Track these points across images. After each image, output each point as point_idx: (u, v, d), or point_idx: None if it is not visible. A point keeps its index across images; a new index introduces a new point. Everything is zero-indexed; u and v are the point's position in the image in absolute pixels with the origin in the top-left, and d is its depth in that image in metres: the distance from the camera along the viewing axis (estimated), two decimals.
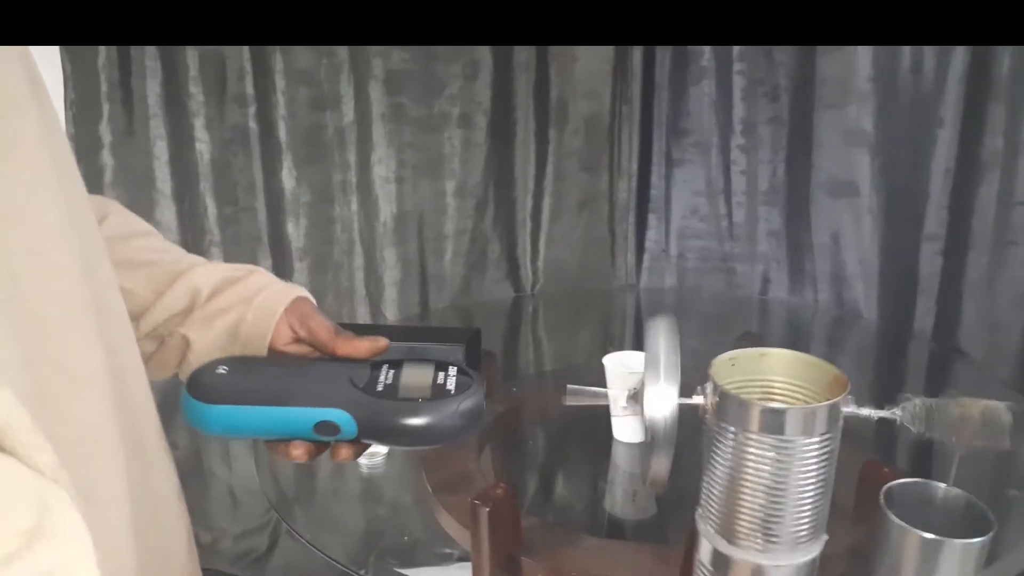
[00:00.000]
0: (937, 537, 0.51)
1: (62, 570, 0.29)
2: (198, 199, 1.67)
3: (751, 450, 0.52)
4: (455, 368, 0.55)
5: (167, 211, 1.68)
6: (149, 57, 1.58)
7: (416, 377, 0.53)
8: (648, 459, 0.55)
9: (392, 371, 0.54)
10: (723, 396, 0.53)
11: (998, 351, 1.50)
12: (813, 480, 0.52)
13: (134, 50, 1.58)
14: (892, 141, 1.43)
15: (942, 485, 0.53)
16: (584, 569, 0.81)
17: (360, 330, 0.59)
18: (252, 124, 1.60)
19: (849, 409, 0.52)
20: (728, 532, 0.55)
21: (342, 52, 1.54)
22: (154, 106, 1.61)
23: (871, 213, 1.45)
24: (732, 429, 0.53)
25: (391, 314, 1.67)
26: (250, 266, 0.62)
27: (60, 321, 0.39)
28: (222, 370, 0.52)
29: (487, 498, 0.80)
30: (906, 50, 1.39)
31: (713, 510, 0.56)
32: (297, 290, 0.61)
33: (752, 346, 0.58)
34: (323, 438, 0.51)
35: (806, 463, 0.51)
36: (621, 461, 1.05)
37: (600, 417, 1.06)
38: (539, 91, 1.52)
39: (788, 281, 1.55)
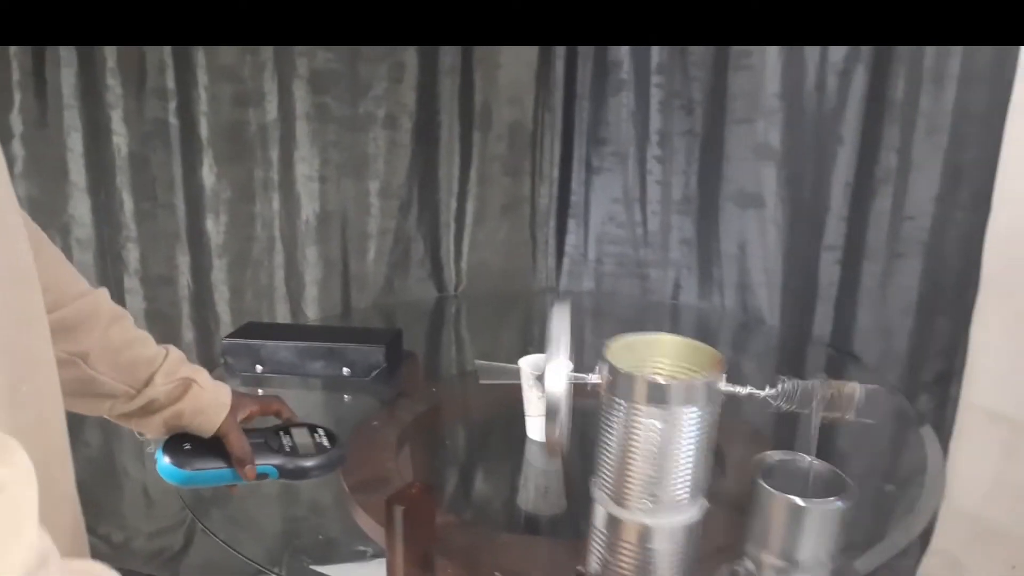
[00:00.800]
0: (799, 500, 0.58)
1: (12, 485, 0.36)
2: (114, 193, 1.62)
3: (639, 420, 0.58)
4: (322, 429, 0.86)
5: (81, 205, 1.63)
6: (63, 47, 1.53)
7: (302, 438, 0.85)
8: (550, 427, 0.60)
9: (287, 436, 0.84)
10: (615, 373, 0.59)
11: (889, 355, 1.60)
12: (693, 448, 0.58)
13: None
14: (796, 156, 1.51)
15: (808, 457, 0.60)
16: (498, 564, 0.84)
17: (282, 332, 0.71)
18: (172, 119, 1.57)
19: (726, 387, 0.59)
20: (619, 496, 0.61)
21: (266, 50, 1.52)
22: (68, 96, 1.56)
23: (775, 224, 1.52)
24: (622, 403, 0.59)
25: (312, 313, 1.66)
26: (190, 377, 0.77)
27: None
28: (187, 445, 0.79)
29: (402, 497, 0.82)
30: (811, 69, 1.46)
31: (606, 477, 0.62)
32: (224, 406, 0.80)
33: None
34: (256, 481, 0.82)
35: (687, 432, 0.57)
36: (535, 459, 1.08)
37: (517, 417, 1.09)
38: (464, 96, 1.53)
39: (697, 287, 1.61)
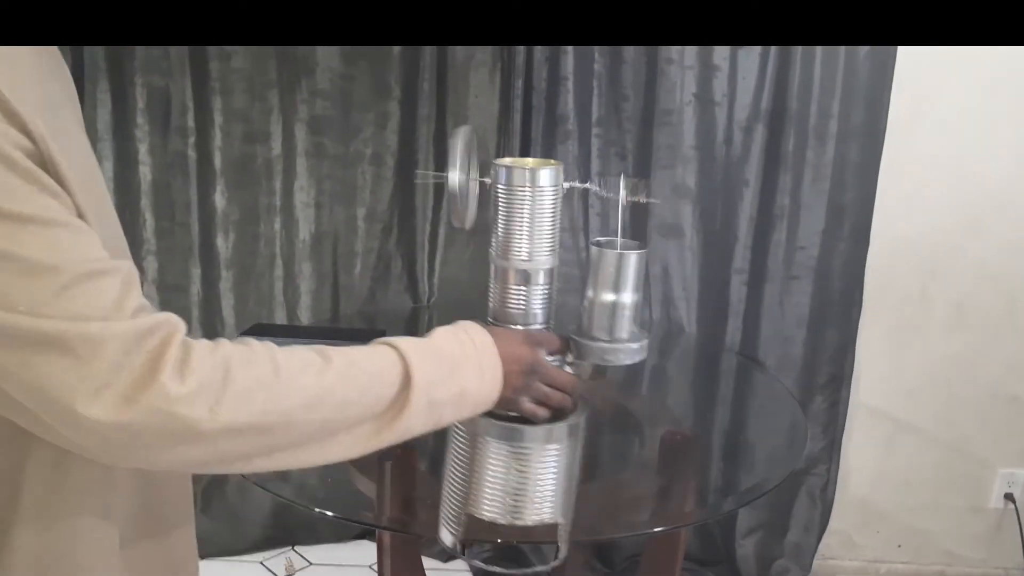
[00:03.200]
0: (613, 249, 0.76)
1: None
2: (139, 213, 1.87)
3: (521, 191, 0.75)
4: None
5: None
6: (100, 90, 1.79)
7: None
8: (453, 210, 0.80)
9: None
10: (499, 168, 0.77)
11: (787, 361, 1.89)
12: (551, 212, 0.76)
13: (88, 82, 1.79)
14: (709, 195, 1.81)
15: (622, 240, 0.78)
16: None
17: (285, 330, 0.82)
18: (191, 152, 1.83)
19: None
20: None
21: (273, 97, 1.79)
22: (103, 131, 1.81)
23: (692, 250, 1.81)
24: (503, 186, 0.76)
25: (305, 318, 1.92)
26: None
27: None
28: None
29: (389, 455, 1.07)
30: (720, 126, 1.76)
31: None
32: None
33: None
34: None
35: (550, 198, 0.75)
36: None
37: None
38: (437, 139, 1.81)
39: None
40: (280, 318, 1.93)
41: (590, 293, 0.77)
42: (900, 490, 2.06)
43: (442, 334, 0.68)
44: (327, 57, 1.76)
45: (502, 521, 0.75)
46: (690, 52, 1.69)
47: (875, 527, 2.10)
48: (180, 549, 0.74)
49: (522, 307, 0.77)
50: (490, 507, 0.75)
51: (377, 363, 0.62)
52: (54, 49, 0.64)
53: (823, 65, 1.69)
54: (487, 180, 0.78)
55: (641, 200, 0.80)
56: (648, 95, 1.74)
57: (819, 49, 1.68)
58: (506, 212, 0.76)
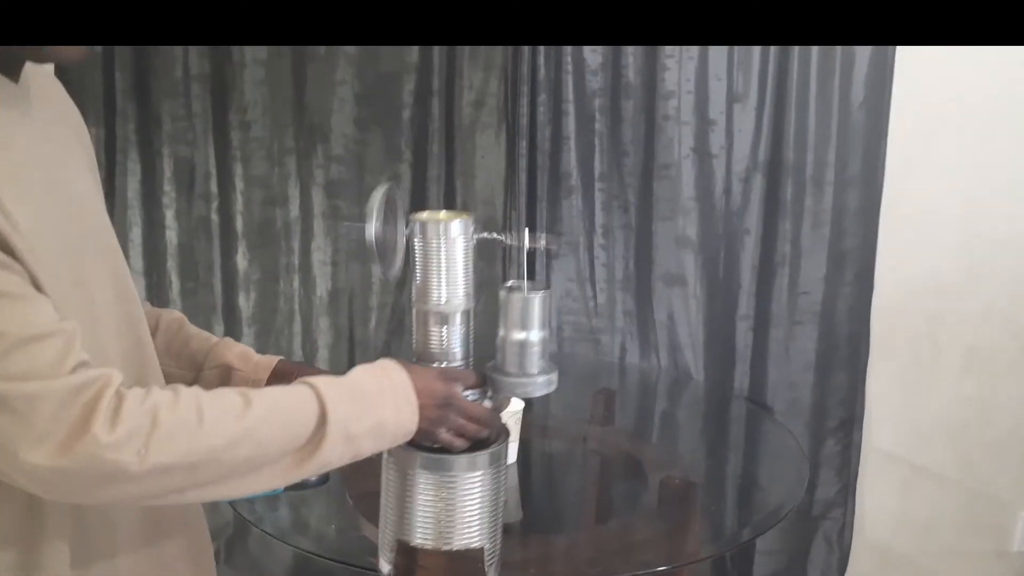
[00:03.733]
0: (519, 292, 0.82)
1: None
2: (165, 275, 1.96)
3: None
4: None
5: (137, 285, 1.97)
6: (131, 160, 1.90)
7: None
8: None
9: None
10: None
11: (796, 405, 1.90)
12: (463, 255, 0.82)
13: (119, 153, 1.90)
14: (711, 244, 1.85)
15: (529, 283, 0.84)
16: None
17: None
18: (214, 216, 1.92)
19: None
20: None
21: (291, 163, 1.88)
22: (132, 199, 1.92)
23: (696, 298, 1.85)
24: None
25: None
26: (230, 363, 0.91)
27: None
28: None
29: None
30: (719, 177, 1.81)
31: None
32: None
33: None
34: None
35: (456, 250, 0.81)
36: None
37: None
38: (447, 198, 1.88)
39: (639, 349, 1.92)
40: None
41: (501, 332, 0.83)
42: (920, 534, 2.04)
43: (360, 371, 0.74)
44: (341, 124, 1.85)
45: (431, 547, 0.79)
46: (686, 107, 1.76)
47: (895, 572, 2.07)
48: None
49: (441, 347, 0.83)
50: (421, 533, 0.80)
51: (294, 401, 0.68)
52: (34, 75, 0.68)
53: (817, 115, 1.74)
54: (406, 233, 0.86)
55: (540, 246, 0.88)
56: (647, 150, 1.80)
57: (813, 100, 1.74)
58: (422, 261, 0.83)
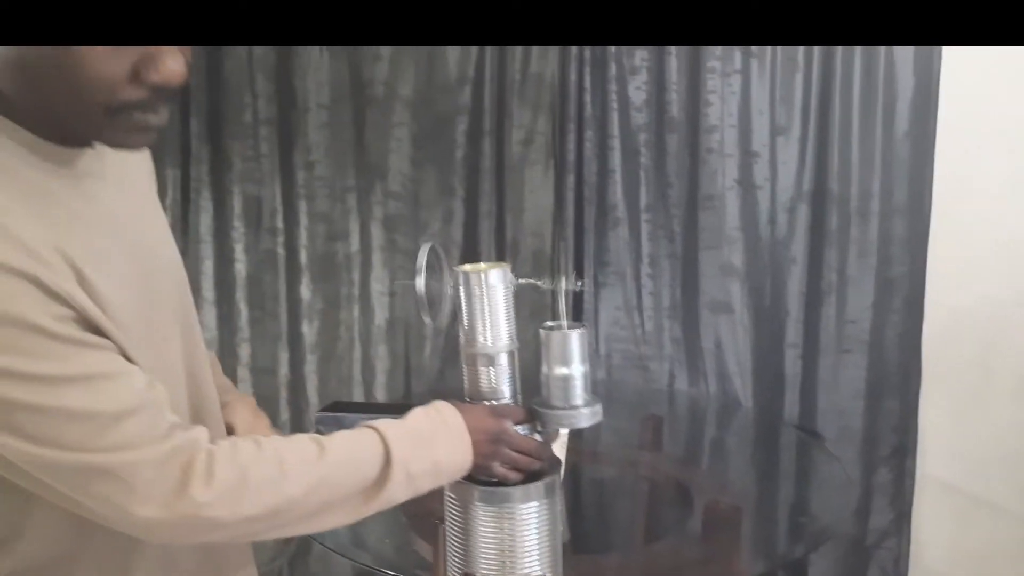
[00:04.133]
0: (559, 330, 0.86)
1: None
2: (234, 305, 2.08)
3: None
4: None
5: (209, 314, 2.10)
6: (203, 199, 2.04)
7: None
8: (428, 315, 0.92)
9: None
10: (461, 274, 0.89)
11: (846, 433, 1.90)
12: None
13: (193, 192, 2.03)
14: (757, 273, 1.88)
15: (568, 322, 0.88)
16: None
17: (358, 407, 0.97)
18: (280, 250, 2.03)
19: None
20: None
21: (351, 200, 1.98)
22: (204, 234, 2.05)
23: (743, 326, 1.87)
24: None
25: (381, 396, 2.07)
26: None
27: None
28: None
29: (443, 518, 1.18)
30: (764, 207, 1.84)
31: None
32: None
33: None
34: None
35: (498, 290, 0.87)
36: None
37: None
38: (498, 232, 1.95)
39: (687, 376, 1.96)
40: (358, 396, 2.08)
41: (545, 369, 0.88)
42: (977, 566, 1.99)
43: (417, 414, 0.80)
44: (398, 163, 1.95)
45: None
46: (730, 141, 1.80)
47: None
48: None
49: (490, 385, 0.89)
50: (484, 564, 0.84)
51: (362, 445, 0.75)
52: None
53: (861, 146, 1.77)
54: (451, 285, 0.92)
55: (576, 288, 0.92)
56: (692, 182, 1.85)
57: (856, 131, 1.76)
58: (467, 308, 0.89)
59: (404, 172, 1.95)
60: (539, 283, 0.92)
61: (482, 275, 0.88)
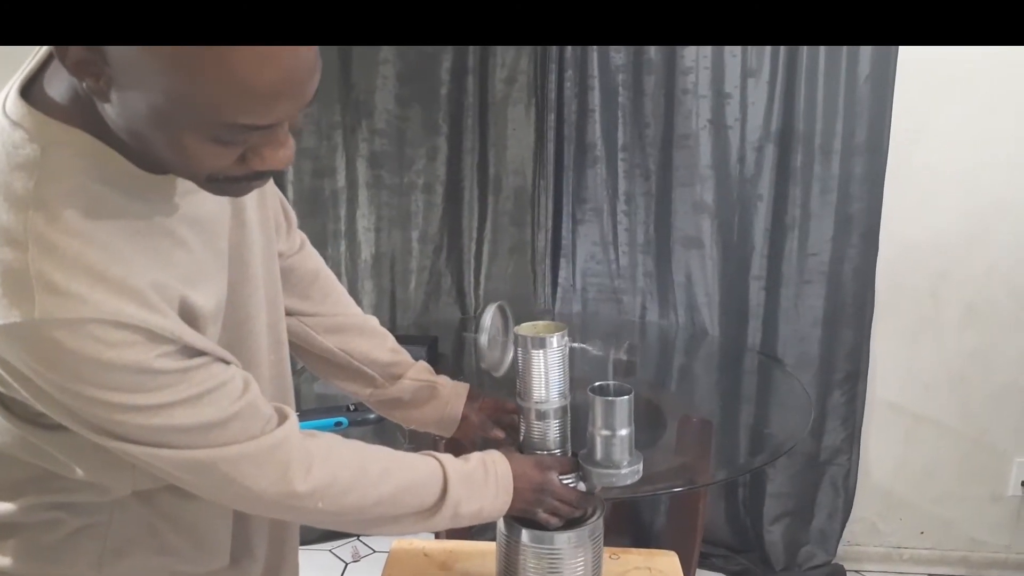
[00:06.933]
0: (603, 398, 0.90)
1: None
2: None
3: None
4: None
5: None
6: None
7: None
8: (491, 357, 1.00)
9: None
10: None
11: (804, 359, 2.02)
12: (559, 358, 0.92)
13: None
14: (726, 210, 1.97)
15: (614, 384, 0.92)
16: None
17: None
18: None
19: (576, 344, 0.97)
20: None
21: (338, 136, 2.01)
22: None
23: (712, 260, 1.97)
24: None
25: None
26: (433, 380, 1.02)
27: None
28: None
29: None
30: (734, 147, 1.92)
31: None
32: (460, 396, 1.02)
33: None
34: None
35: (552, 358, 0.92)
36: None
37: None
38: (481, 169, 2.00)
39: (658, 308, 2.05)
40: None
41: (591, 428, 0.92)
42: (921, 480, 2.16)
43: (475, 460, 0.88)
44: (384, 100, 1.98)
45: None
46: (704, 82, 1.87)
47: (898, 515, 2.20)
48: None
49: (541, 438, 0.94)
50: None
51: (426, 476, 0.83)
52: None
53: (826, 88, 1.85)
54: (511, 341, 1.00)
55: (623, 357, 0.97)
56: (667, 122, 1.91)
57: (822, 74, 1.84)
58: (524, 366, 0.93)
59: (390, 110, 1.98)
60: (590, 348, 0.97)
61: (539, 339, 0.92)
